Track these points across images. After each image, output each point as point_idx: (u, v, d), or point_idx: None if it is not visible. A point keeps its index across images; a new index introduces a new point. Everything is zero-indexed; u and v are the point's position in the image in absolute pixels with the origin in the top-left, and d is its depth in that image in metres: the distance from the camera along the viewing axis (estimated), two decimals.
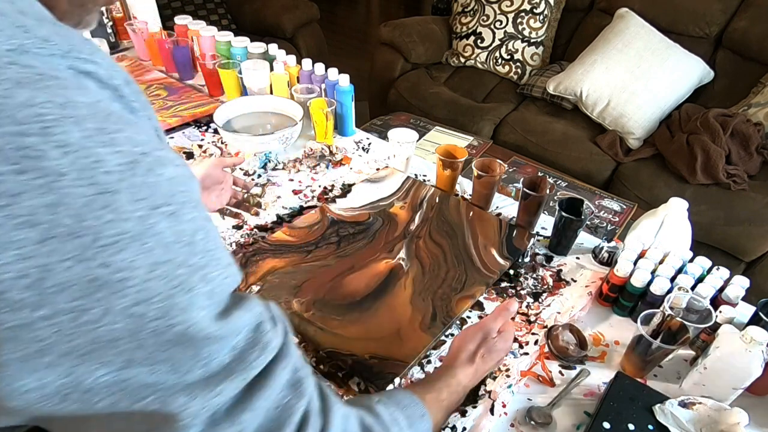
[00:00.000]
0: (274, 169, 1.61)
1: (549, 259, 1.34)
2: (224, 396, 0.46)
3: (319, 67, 1.80)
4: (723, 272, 1.14)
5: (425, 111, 3.02)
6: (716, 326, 1.02)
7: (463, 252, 1.28)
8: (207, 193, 1.19)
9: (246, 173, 1.55)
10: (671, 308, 1.03)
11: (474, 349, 0.91)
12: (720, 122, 2.47)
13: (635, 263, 1.16)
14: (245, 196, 1.34)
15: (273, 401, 0.50)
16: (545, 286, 1.25)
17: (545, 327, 1.14)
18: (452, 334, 1.11)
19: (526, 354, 1.08)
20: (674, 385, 1.04)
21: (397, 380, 0.98)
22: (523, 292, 1.23)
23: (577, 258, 1.34)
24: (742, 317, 1.08)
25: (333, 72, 1.75)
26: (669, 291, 1.08)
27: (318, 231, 1.32)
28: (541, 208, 1.36)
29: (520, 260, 1.31)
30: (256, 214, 1.34)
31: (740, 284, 1.10)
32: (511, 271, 1.28)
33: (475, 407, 0.97)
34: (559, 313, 1.17)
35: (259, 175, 1.56)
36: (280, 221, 1.41)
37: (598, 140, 2.73)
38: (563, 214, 1.27)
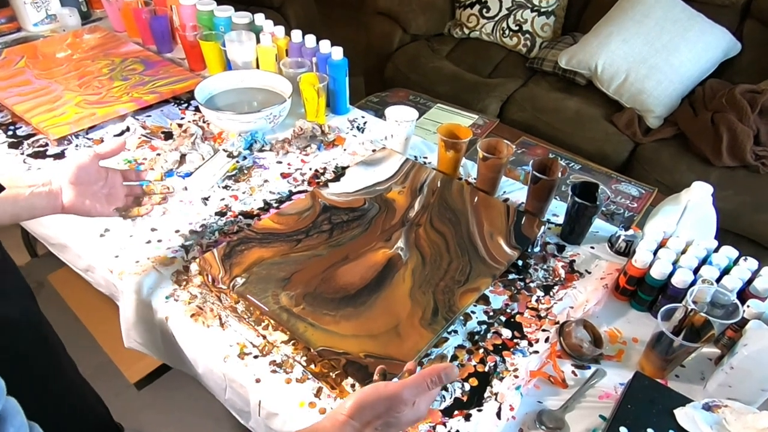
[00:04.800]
0: (260, 150, 1.60)
1: (561, 248, 1.33)
2: None
3: (310, 39, 1.78)
4: (751, 263, 1.13)
5: (426, 87, 3.00)
6: (744, 322, 1.01)
7: (467, 241, 1.27)
8: (83, 193, 1.08)
9: (230, 155, 1.54)
10: (694, 302, 1.03)
11: (370, 419, 0.77)
12: (747, 99, 2.45)
13: (655, 253, 1.15)
14: (144, 186, 1.22)
15: None
16: (557, 279, 1.24)
17: (557, 323, 1.13)
18: (456, 331, 1.11)
19: (536, 353, 1.08)
20: (698, 387, 1.04)
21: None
22: (532, 285, 1.22)
23: (592, 247, 1.33)
24: None
25: (325, 44, 1.73)
26: (692, 284, 1.07)
27: (309, 218, 1.31)
28: (553, 193, 1.35)
29: (529, 250, 1.30)
30: (164, 199, 1.23)
31: None
32: (520, 262, 1.27)
33: (480, 411, 0.97)
34: (571, 307, 1.17)
35: (245, 157, 1.55)
36: (267, 207, 1.40)
37: (614, 119, 2.71)
38: (576, 199, 1.26)
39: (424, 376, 0.79)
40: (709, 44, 2.68)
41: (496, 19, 3.20)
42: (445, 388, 1.01)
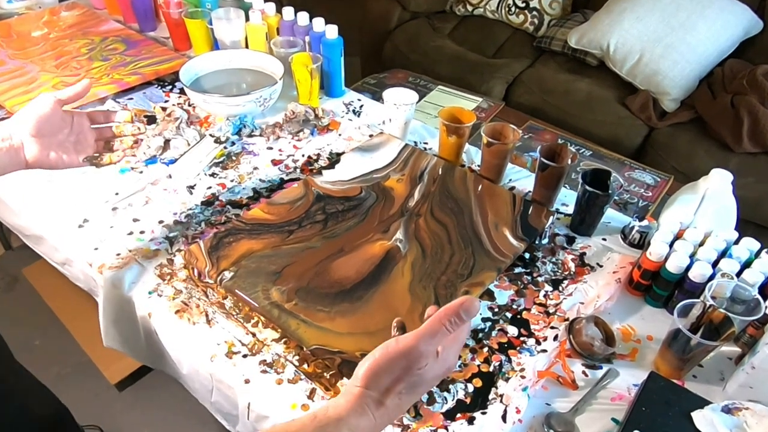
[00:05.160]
0: (250, 135, 1.59)
1: (571, 240, 1.32)
2: None
3: (303, 17, 1.77)
4: None
5: (426, 68, 2.99)
6: (766, 319, 1.01)
7: (471, 232, 1.26)
8: (48, 144, 1.04)
9: (217, 141, 1.53)
10: (713, 298, 1.02)
11: (389, 384, 0.71)
12: None
13: (671, 245, 1.15)
14: (115, 129, 1.16)
15: None
16: (566, 272, 1.24)
17: (566, 320, 1.13)
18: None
19: (545, 351, 1.07)
20: (717, 388, 1.03)
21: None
22: (540, 279, 1.22)
23: (604, 239, 1.33)
24: None
25: (319, 22, 1.72)
26: (711, 278, 1.07)
27: (301, 208, 1.30)
28: (562, 181, 1.34)
29: (536, 242, 1.30)
30: (136, 143, 1.17)
31: None
32: (527, 255, 1.27)
33: (484, 413, 0.97)
34: (582, 303, 1.16)
35: (233, 143, 1.55)
36: (256, 196, 1.39)
37: (627, 102, 2.71)
38: (587, 187, 1.25)
39: (440, 319, 0.70)
40: (728, 22, 2.67)
41: None
42: (447, 390, 1.00)
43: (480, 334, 1.10)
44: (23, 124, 1.01)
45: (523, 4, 3.17)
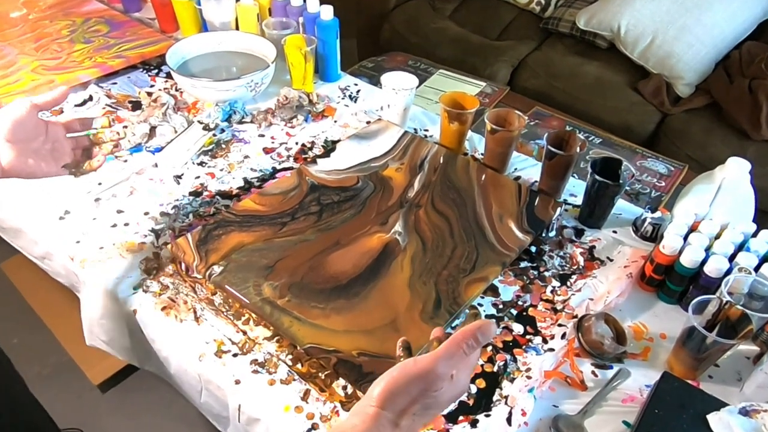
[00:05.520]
0: (240, 122, 1.59)
1: (579, 233, 1.32)
2: None
3: None
4: None
5: (427, 51, 2.98)
6: None
7: (474, 224, 1.26)
8: (24, 151, 1.02)
9: (206, 128, 1.53)
10: (730, 294, 1.02)
11: (405, 406, 0.71)
12: None
13: (686, 238, 1.15)
14: (91, 136, 1.13)
15: None
16: (575, 267, 1.24)
17: (575, 317, 1.13)
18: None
19: (552, 350, 1.07)
20: (734, 389, 1.03)
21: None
22: (547, 274, 1.22)
23: (614, 232, 1.33)
24: None
25: (313, 2, 1.71)
26: (727, 272, 1.07)
27: (295, 199, 1.30)
28: (570, 170, 1.34)
29: (543, 234, 1.30)
30: (116, 147, 1.16)
31: None
32: (533, 248, 1.27)
33: (488, 416, 0.97)
34: (591, 299, 1.16)
35: (222, 130, 1.54)
36: (247, 187, 1.39)
37: (639, 87, 2.71)
38: (597, 177, 1.25)
39: (458, 341, 0.72)
40: (746, 2, 2.66)
41: None
42: None
43: None
44: None
45: None
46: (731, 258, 1.10)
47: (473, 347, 0.72)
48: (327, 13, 1.67)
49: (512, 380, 1.02)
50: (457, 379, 0.74)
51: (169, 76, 1.75)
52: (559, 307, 1.15)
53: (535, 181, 1.44)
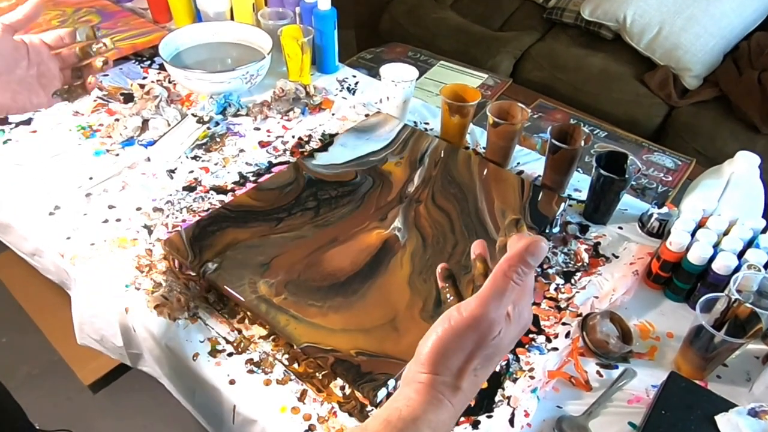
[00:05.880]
0: (235, 115, 1.59)
1: (584, 229, 1.32)
2: None
3: None
4: None
5: (427, 41, 2.98)
6: None
7: (475, 220, 1.26)
8: (6, 83, 0.91)
9: (200, 121, 1.53)
10: (739, 291, 1.02)
11: (461, 364, 0.62)
12: None
13: (693, 234, 1.15)
14: (78, 52, 1.02)
15: None
16: (579, 264, 1.24)
17: (579, 315, 1.13)
18: None
19: (556, 350, 1.07)
20: (743, 389, 1.03)
21: (391, 382, 0.97)
22: (551, 271, 1.22)
23: (620, 228, 1.33)
24: None
25: None
26: (736, 270, 1.07)
27: (291, 194, 1.30)
28: (574, 164, 1.34)
29: (547, 231, 1.29)
30: (106, 63, 1.03)
31: None
32: None
33: (490, 417, 0.96)
34: (596, 297, 1.16)
35: (217, 123, 1.54)
36: (243, 181, 1.39)
37: (645, 78, 2.71)
38: (602, 172, 1.25)
39: (505, 272, 0.60)
40: None
41: None
42: None
43: None
44: None
45: None
46: (740, 255, 1.10)
47: (525, 273, 0.61)
48: (324, 2, 1.66)
49: (515, 380, 1.02)
50: (517, 315, 0.64)
51: (162, 67, 1.75)
52: (563, 305, 1.15)
53: (539, 176, 1.44)
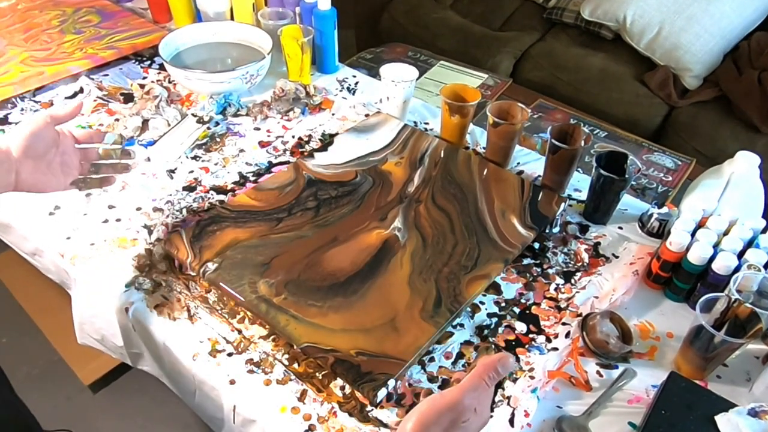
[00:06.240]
0: (235, 115, 1.59)
1: (584, 229, 1.32)
2: None
3: None
4: None
5: (427, 41, 2.98)
6: None
7: (476, 220, 1.26)
8: (38, 165, 1.02)
9: (200, 121, 1.53)
10: (739, 291, 1.02)
11: None
12: None
13: (693, 234, 1.14)
14: (100, 152, 1.12)
15: None
16: (579, 264, 1.24)
17: (579, 315, 1.13)
18: (462, 325, 1.10)
19: (556, 350, 1.07)
20: (743, 389, 1.03)
21: (391, 382, 0.96)
22: (551, 271, 1.22)
23: (620, 228, 1.33)
24: None
25: None
26: (736, 270, 1.06)
27: (291, 194, 1.30)
28: (574, 164, 1.34)
29: (547, 231, 1.29)
30: (126, 170, 1.16)
31: None
32: (536, 245, 1.27)
33: (490, 417, 0.96)
34: (596, 297, 1.16)
35: (217, 123, 1.54)
36: (243, 181, 1.39)
37: (645, 79, 2.70)
38: (602, 172, 1.25)
39: (480, 374, 0.79)
40: None
41: None
42: None
43: (486, 331, 1.10)
44: (15, 141, 0.99)
45: None
46: (740, 255, 1.09)
47: (494, 379, 0.80)
48: (324, 2, 1.66)
49: (515, 380, 1.02)
50: (480, 411, 0.79)
51: (162, 67, 1.75)
52: (563, 305, 1.15)
53: (539, 176, 1.44)
